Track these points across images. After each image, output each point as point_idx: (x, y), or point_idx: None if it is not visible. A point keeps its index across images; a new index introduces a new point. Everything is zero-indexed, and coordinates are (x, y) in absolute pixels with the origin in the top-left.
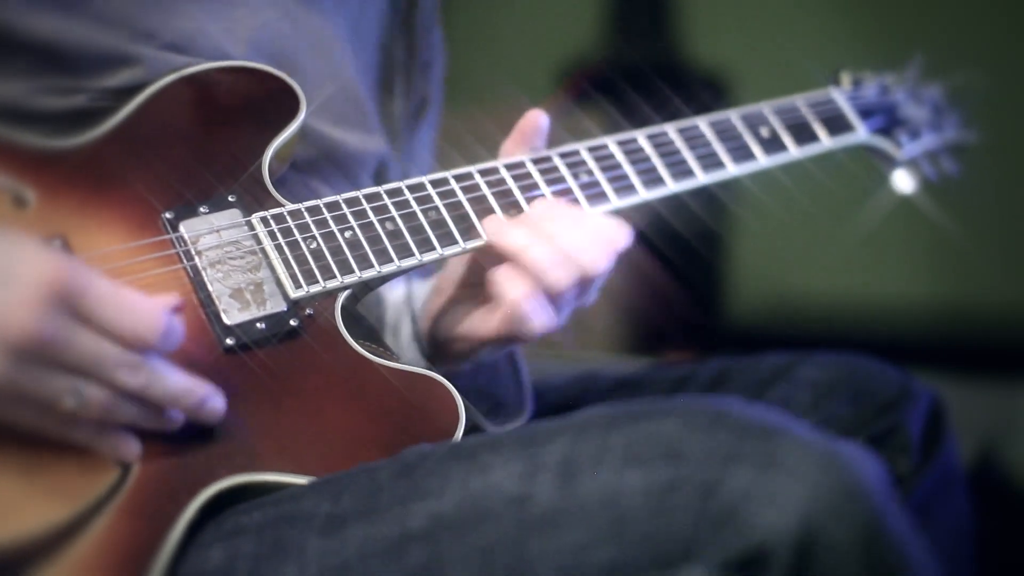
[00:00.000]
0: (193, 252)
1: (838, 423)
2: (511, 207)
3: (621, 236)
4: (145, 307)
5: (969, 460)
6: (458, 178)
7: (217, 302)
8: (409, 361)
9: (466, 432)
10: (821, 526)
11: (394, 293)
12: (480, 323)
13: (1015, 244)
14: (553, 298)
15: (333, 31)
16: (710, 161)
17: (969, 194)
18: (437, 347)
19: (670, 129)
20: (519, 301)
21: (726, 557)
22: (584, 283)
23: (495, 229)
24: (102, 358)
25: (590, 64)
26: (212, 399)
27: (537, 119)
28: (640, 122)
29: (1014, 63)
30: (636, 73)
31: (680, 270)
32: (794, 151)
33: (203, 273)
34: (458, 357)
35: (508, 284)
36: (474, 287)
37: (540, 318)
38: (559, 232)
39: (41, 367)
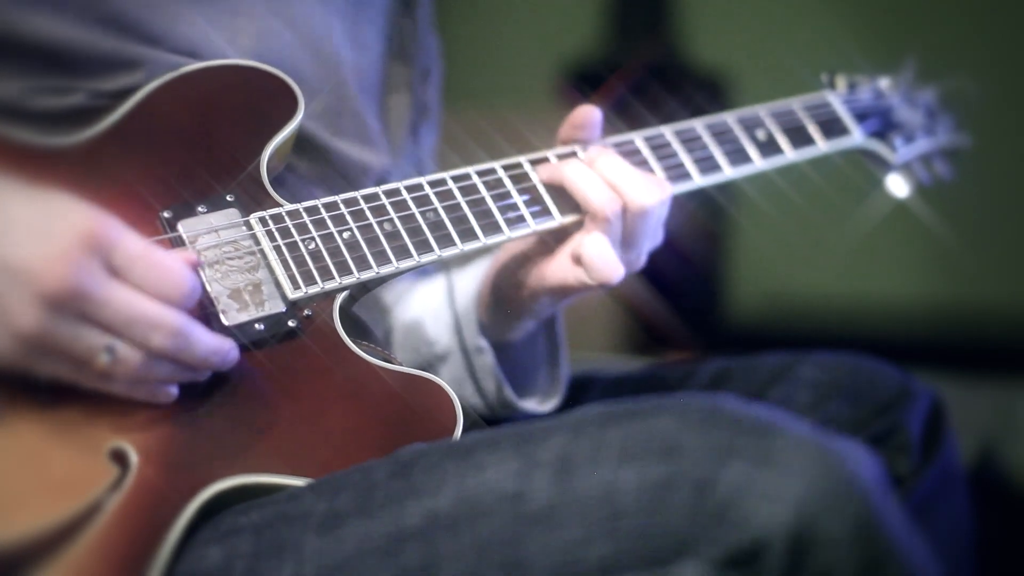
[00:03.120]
0: (193, 252)
1: (838, 423)
2: (508, 208)
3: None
4: (173, 264)
5: (969, 460)
6: (456, 179)
7: (216, 303)
8: (442, 346)
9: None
10: (816, 521)
11: (411, 309)
12: (548, 271)
13: (1013, 245)
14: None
15: (333, 42)
16: (707, 164)
17: (965, 196)
18: (500, 304)
19: (667, 131)
20: (592, 244)
21: (722, 553)
22: (631, 220)
23: (553, 167)
24: (136, 318)
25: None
26: (233, 352)
27: (589, 113)
28: (639, 122)
29: (1007, 66)
30: (636, 73)
31: (680, 270)
32: (790, 154)
33: (201, 273)
34: (520, 310)
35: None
36: (542, 240)
37: (609, 263)
38: (605, 166)
39: (75, 321)
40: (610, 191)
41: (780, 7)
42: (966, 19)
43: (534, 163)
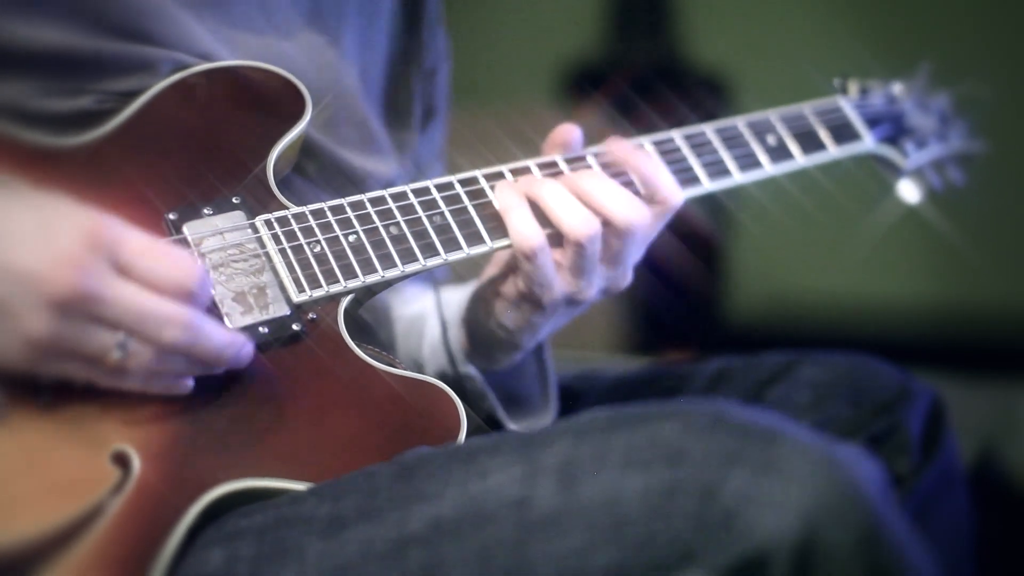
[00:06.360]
0: (197, 255)
1: (838, 423)
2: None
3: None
4: (181, 257)
5: (969, 460)
6: (463, 182)
7: (220, 306)
8: (432, 367)
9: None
10: (820, 530)
11: (410, 306)
12: (513, 308)
13: (1015, 245)
14: (580, 260)
15: (338, 51)
16: (716, 168)
17: (971, 198)
18: (478, 341)
19: (676, 136)
20: (527, 239)
21: (726, 561)
22: (611, 238)
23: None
24: (146, 314)
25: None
26: (247, 347)
27: (568, 134)
28: (639, 122)
29: (1020, 72)
30: (636, 73)
31: (680, 270)
32: (800, 159)
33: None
34: (498, 348)
35: (519, 224)
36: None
37: (555, 276)
38: (585, 182)
39: (85, 322)
40: (587, 212)
41: (780, 7)
42: (980, 24)
43: (542, 167)
